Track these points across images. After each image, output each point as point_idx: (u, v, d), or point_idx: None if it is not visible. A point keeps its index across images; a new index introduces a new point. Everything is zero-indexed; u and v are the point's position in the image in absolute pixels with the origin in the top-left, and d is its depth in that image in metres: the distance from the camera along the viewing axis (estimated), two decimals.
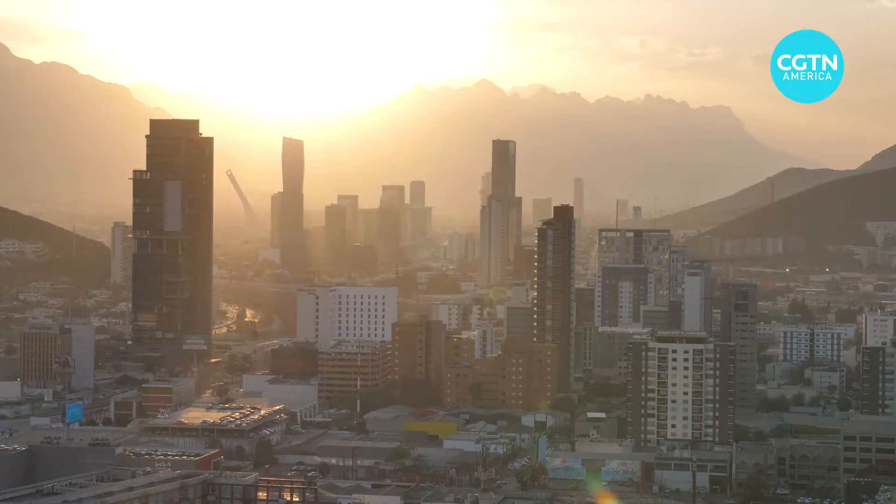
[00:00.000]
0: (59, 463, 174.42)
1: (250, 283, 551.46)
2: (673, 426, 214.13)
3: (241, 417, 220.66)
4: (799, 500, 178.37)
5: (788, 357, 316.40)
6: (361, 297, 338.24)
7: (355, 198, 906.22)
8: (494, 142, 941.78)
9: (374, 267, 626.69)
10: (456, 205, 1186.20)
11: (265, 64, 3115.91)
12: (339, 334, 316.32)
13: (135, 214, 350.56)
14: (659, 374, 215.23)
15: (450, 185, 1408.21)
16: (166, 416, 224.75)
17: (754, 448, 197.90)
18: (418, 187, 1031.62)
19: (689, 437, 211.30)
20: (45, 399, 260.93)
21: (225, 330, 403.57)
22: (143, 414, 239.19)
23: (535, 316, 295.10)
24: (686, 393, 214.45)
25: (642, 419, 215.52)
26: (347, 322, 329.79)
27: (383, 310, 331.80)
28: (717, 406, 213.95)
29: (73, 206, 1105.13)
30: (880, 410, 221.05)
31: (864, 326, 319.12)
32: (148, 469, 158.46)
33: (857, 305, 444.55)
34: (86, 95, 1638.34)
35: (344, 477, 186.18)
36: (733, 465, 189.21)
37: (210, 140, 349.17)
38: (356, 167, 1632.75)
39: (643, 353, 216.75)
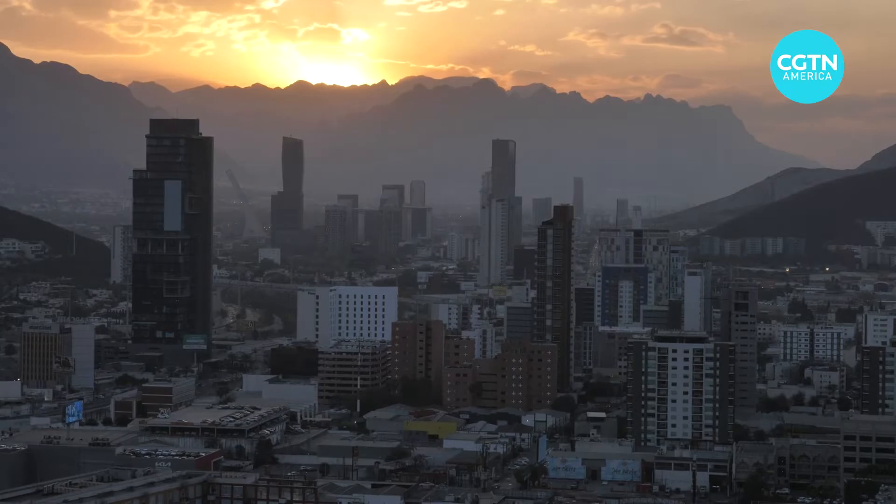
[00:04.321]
0: (59, 463, 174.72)
1: (250, 283, 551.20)
2: (673, 426, 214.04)
3: (241, 417, 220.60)
4: (799, 500, 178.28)
5: (788, 357, 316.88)
6: (361, 297, 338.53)
7: (355, 198, 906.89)
8: (494, 142, 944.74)
9: (374, 267, 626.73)
10: (456, 205, 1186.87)
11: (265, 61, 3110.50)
12: (339, 334, 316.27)
13: (135, 214, 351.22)
14: (659, 374, 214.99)
15: (450, 185, 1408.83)
16: (166, 416, 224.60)
17: (754, 448, 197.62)
18: (418, 187, 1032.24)
19: (689, 437, 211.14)
20: (45, 399, 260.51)
21: (225, 330, 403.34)
22: (143, 414, 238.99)
23: (535, 316, 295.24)
24: (686, 393, 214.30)
25: (642, 419, 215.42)
26: (347, 322, 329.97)
27: (383, 310, 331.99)
28: (717, 406, 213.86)
29: (73, 206, 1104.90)
30: (880, 410, 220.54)
31: (864, 326, 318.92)
32: (148, 469, 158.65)
33: (857, 305, 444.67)
34: (86, 95, 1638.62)
35: (344, 477, 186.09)
36: (733, 465, 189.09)
37: (210, 140, 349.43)
38: (356, 167, 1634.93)
39: (643, 353, 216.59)
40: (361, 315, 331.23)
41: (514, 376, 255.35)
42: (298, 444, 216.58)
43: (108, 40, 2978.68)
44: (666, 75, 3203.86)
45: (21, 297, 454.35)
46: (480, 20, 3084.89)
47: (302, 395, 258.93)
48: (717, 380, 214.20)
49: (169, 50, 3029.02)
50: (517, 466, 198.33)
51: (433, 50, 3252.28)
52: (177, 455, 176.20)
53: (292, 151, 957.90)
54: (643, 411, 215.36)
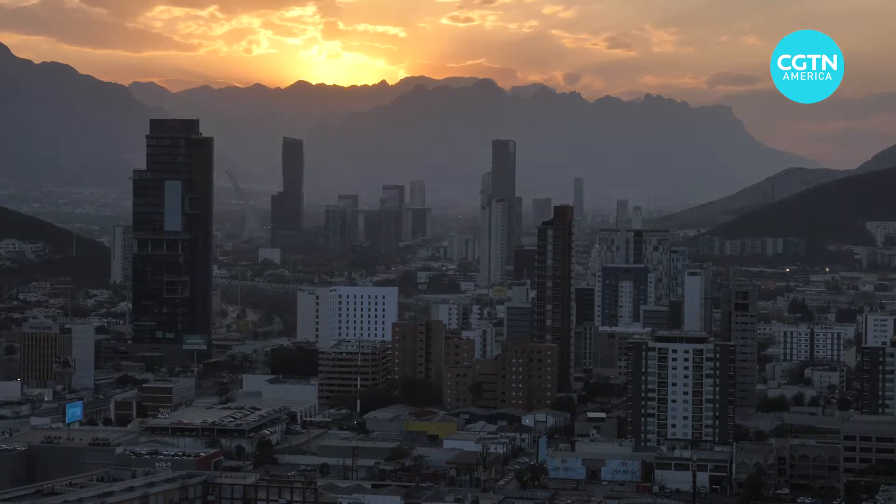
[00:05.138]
0: (59, 463, 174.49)
1: (250, 283, 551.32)
2: (673, 426, 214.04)
3: (241, 417, 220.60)
4: (799, 500, 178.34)
5: (788, 357, 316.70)
6: (361, 297, 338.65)
7: (355, 198, 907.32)
8: (494, 142, 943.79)
9: (374, 267, 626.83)
10: (456, 205, 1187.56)
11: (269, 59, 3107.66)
12: (339, 334, 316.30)
13: (135, 214, 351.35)
14: (659, 374, 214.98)
15: (450, 185, 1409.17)
16: (166, 416, 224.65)
17: (754, 448, 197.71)
18: (418, 187, 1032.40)
19: (689, 437, 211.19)
20: (45, 399, 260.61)
21: (225, 330, 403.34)
22: (143, 414, 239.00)
23: (535, 316, 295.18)
24: (686, 393, 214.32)
25: (642, 419, 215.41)
26: (347, 322, 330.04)
27: (383, 310, 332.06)
28: (717, 406, 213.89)
29: (73, 206, 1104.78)
30: (880, 410, 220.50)
31: (864, 326, 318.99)
32: (148, 469, 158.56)
33: (857, 305, 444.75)
34: (86, 95, 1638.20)
35: (344, 477, 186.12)
36: (733, 465, 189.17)
37: (210, 140, 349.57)
38: (356, 167, 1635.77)
39: (643, 353, 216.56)
40: (361, 315, 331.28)
41: (514, 376, 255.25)
42: (298, 445, 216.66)
43: (155, 37, 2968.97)
44: (713, 74, 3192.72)
45: (21, 297, 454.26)
46: (548, 12, 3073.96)
47: (302, 395, 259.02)
48: (717, 380, 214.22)
49: (220, 48, 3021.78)
50: (517, 466, 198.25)
51: (491, 48, 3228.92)
52: (177, 455, 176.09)
53: (292, 151, 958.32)
54: (643, 411, 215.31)
